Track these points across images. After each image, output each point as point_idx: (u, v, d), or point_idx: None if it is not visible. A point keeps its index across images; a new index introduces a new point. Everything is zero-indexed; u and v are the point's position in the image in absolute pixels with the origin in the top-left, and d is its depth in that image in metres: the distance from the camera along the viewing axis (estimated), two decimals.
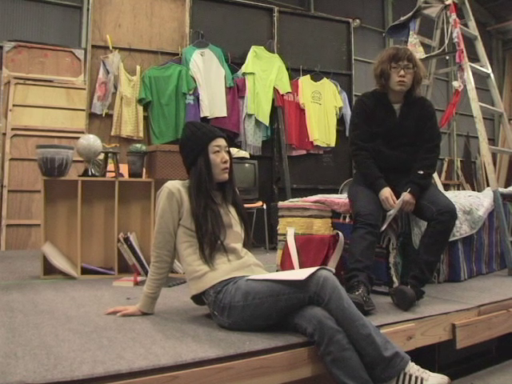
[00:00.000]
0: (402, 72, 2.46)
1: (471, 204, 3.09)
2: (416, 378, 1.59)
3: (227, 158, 2.04)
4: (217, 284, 1.85)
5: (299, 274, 1.74)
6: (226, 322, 1.82)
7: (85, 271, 3.08)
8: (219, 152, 2.02)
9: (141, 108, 5.16)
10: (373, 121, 2.55)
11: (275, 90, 5.58)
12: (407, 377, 1.60)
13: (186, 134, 2.07)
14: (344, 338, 1.61)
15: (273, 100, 5.57)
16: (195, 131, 2.04)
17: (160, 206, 1.98)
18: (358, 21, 8.30)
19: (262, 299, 1.74)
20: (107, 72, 5.08)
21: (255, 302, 1.74)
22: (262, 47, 5.64)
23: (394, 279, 2.52)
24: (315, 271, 1.70)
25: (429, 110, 2.60)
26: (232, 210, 2.07)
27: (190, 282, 1.96)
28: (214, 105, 5.24)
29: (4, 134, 5.01)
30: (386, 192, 2.43)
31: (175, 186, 1.99)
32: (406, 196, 2.40)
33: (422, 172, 2.47)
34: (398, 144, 2.54)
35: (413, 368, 1.62)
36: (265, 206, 4.90)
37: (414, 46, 3.83)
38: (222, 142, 2.04)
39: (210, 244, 1.91)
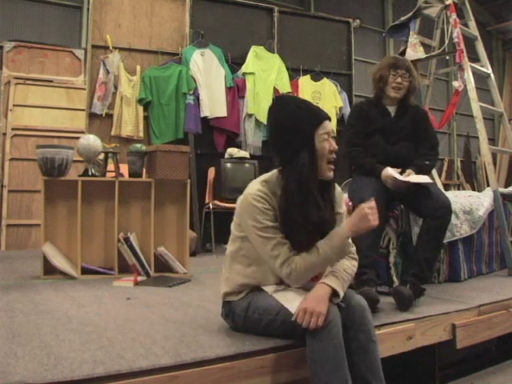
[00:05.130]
0: (399, 79, 2.57)
1: (471, 204, 3.09)
2: None
3: (336, 146, 1.60)
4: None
5: (295, 304, 1.57)
6: (230, 323, 1.80)
7: (85, 271, 3.08)
8: (327, 140, 1.59)
9: (141, 108, 5.15)
10: (368, 121, 2.61)
11: (275, 90, 5.57)
12: None
13: (288, 112, 1.59)
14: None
15: (273, 100, 5.55)
16: (297, 112, 1.58)
17: (255, 219, 1.58)
18: (358, 21, 8.29)
19: (260, 315, 1.66)
20: (107, 72, 5.07)
21: (255, 316, 1.68)
22: (262, 47, 5.63)
23: (394, 279, 2.53)
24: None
25: (423, 114, 2.72)
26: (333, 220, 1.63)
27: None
28: (214, 105, 5.23)
29: (4, 134, 5.01)
30: (387, 171, 2.46)
31: (262, 195, 1.58)
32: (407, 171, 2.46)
33: (423, 162, 2.53)
34: (396, 139, 2.58)
35: None
36: None
37: (414, 46, 3.83)
38: (330, 125, 1.61)
39: None
